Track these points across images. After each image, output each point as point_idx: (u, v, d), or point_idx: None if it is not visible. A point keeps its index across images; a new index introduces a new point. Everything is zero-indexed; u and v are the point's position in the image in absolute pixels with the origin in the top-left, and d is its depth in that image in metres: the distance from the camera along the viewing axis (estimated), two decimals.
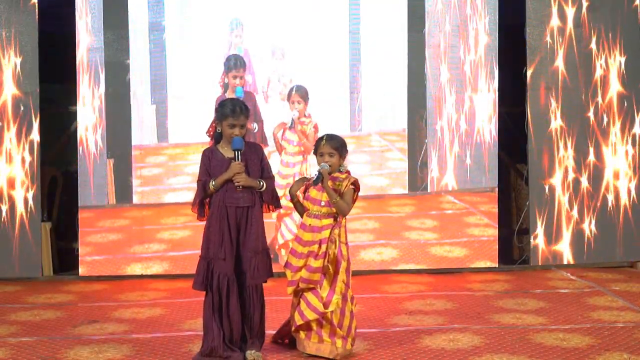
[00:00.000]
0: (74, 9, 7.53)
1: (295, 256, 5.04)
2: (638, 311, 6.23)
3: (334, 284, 4.99)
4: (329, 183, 5.00)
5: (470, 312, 6.24)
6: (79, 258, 7.60)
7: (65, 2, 7.59)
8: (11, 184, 7.39)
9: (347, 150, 5.13)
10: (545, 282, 7.36)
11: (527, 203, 7.93)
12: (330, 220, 5.01)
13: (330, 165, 5.02)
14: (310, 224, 5.03)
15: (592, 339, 5.44)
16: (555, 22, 7.82)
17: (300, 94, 7.46)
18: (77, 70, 7.55)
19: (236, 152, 4.85)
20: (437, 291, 7.02)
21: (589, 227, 7.91)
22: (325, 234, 4.97)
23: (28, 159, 7.42)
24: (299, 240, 5.07)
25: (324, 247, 4.96)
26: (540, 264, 7.86)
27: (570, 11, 7.84)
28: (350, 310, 5.07)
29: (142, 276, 7.55)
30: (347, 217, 5.12)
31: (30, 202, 7.43)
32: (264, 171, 5.00)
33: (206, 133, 5.05)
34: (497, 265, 7.92)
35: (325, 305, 4.95)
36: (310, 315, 4.97)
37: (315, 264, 4.95)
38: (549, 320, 5.98)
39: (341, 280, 4.99)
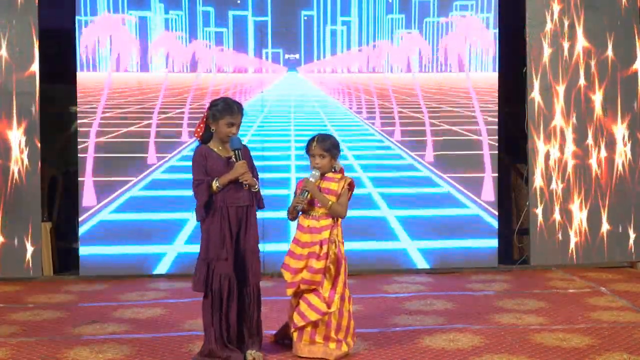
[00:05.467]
0: (75, 8, 7.54)
1: (294, 258, 5.01)
2: (638, 311, 6.23)
3: (336, 284, 4.98)
4: (321, 184, 5.00)
5: (470, 312, 6.24)
6: (79, 258, 7.61)
7: (65, 2, 7.59)
8: (11, 183, 7.38)
9: (339, 151, 5.09)
10: (545, 282, 7.36)
11: (527, 203, 7.94)
12: (329, 221, 4.99)
13: (319, 167, 5.01)
14: (308, 225, 5.01)
15: (592, 339, 5.44)
16: (555, 22, 7.82)
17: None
18: (77, 70, 7.57)
19: (236, 152, 4.83)
20: (437, 291, 7.02)
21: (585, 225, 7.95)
22: (325, 234, 4.95)
23: (28, 158, 7.41)
24: (296, 241, 5.05)
25: (325, 247, 4.93)
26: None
27: (569, 11, 7.85)
28: (348, 310, 5.06)
29: (142, 276, 7.56)
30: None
31: (30, 201, 7.42)
32: (254, 171, 5.00)
33: (194, 134, 4.97)
34: (497, 266, 7.93)
35: (329, 305, 4.94)
36: (313, 316, 4.95)
37: (317, 265, 4.94)
38: (549, 320, 5.98)
39: (342, 280, 4.99)
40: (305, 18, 7.78)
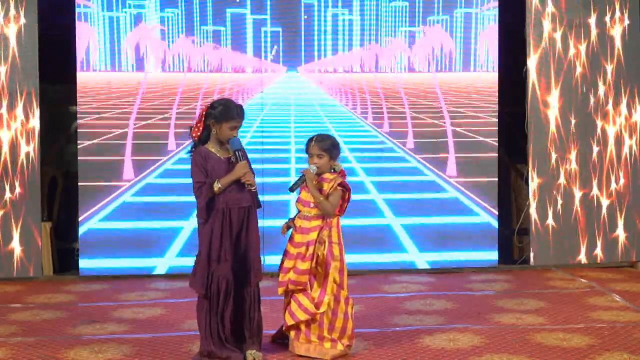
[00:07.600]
0: (75, 8, 7.54)
1: (287, 257, 5.04)
2: (638, 311, 6.23)
3: (325, 284, 4.98)
4: (316, 184, 5.01)
5: (470, 312, 6.24)
6: (79, 258, 7.61)
7: (65, 2, 7.59)
8: (11, 183, 7.38)
9: (339, 151, 5.10)
10: (545, 282, 7.36)
11: (527, 203, 7.93)
12: (318, 222, 5.00)
13: (318, 167, 5.02)
14: (300, 226, 5.03)
15: (592, 339, 5.44)
16: (555, 21, 7.82)
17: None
18: (77, 70, 7.58)
19: (237, 152, 4.83)
20: (437, 291, 7.02)
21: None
22: (313, 235, 4.96)
23: (28, 158, 7.40)
24: (291, 240, 5.08)
25: (311, 249, 4.94)
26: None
27: (569, 11, 7.85)
28: (344, 312, 5.05)
29: (142, 276, 7.56)
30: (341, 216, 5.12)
31: (30, 201, 7.41)
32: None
33: (191, 135, 4.90)
34: (497, 266, 7.93)
35: (317, 306, 4.95)
36: (302, 316, 4.97)
37: (303, 266, 4.94)
38: (549, 320, 5.98)
39: (332, 281, 4.98)
40: (306, 17, 7.77)
